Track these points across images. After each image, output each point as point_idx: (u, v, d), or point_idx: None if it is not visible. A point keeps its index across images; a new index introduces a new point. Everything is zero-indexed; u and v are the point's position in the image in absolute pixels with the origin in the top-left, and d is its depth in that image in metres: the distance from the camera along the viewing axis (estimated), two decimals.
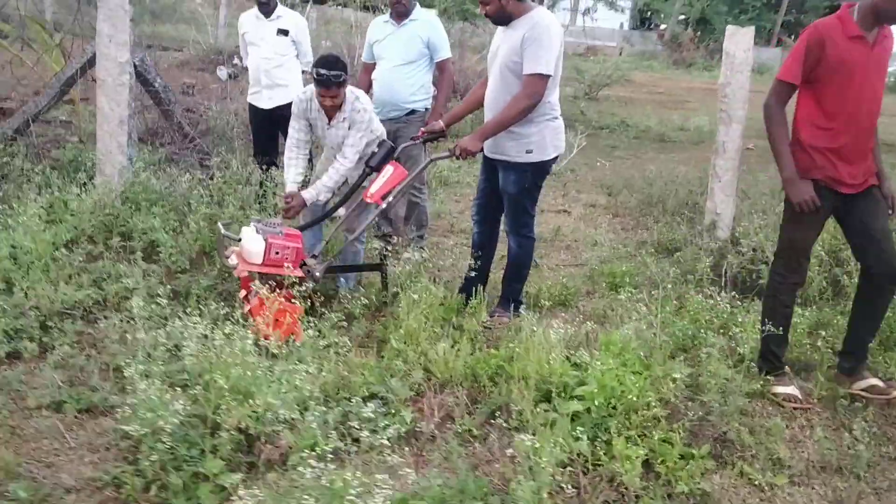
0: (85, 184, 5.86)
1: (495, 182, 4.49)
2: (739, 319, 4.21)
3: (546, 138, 4.35)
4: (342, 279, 4.84)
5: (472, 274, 4.87)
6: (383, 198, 4.35)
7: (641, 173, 8.72)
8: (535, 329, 3.73)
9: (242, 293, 4.37)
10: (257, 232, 4.14)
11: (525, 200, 4.47)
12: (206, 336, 3.13)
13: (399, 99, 5.55)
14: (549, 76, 4.13)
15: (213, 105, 8.53)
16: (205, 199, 5.71)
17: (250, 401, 3.02)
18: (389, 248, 5.74)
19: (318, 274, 4.27)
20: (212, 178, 6.11)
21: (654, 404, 3.20)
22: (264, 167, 6.13)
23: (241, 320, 3.66)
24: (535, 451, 2.99)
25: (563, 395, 3.41)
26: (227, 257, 4.28)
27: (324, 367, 3.60)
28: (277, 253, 4.12)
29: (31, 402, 3.37)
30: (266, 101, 6.34)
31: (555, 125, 4.41)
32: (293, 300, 4.33)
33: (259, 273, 4.16)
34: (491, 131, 4.24)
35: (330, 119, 4.60)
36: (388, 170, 4.39)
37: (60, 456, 3.05)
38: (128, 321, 3.91)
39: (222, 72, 13.19)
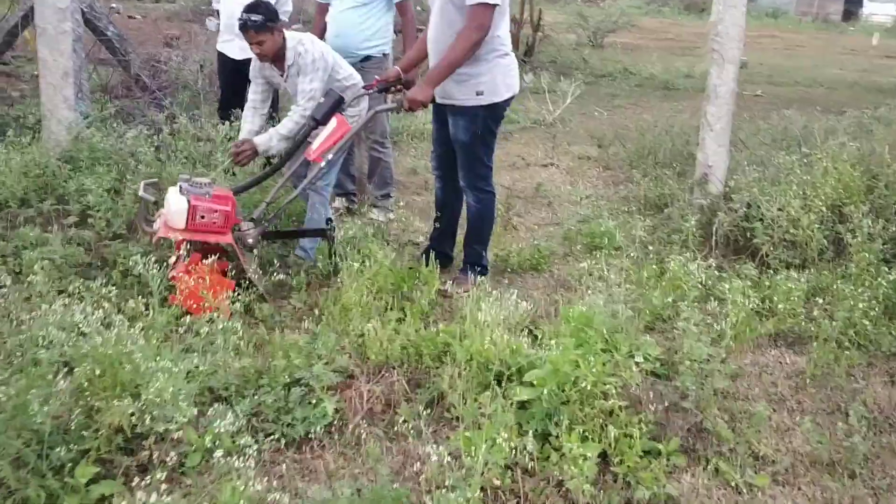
0: (31, 141, 5.40)
1: (446, 130, 4.02)
2: (725, 287, 3.71)
3: (497, 77, 3.87)
4: (301, 249, 4.38)
5: (435, 235, 4.42)
6: (323, 155, 3.86)
7: (638, 123, 8.15)
8: (486, 300, 3.27)
9: (173, 257, 3.91)
10: (182, 192, 3.67)
11: (479, 149, 3.99)
12: (79, 322, 2.66)
13: (352, 44, 5.03)
14: (495, 5, 3.62)
15: (179, 56, 7.98)
16: (149, 157, 5.23)
17: (143, 394, 2.58)
18: (353, 207, 5.31)
19: (250, 241, 3.81)
20: (157, 134, 5.61)
21: (613, 392, 2.74)
22: (226, 122, 5.64)
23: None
24: (471, 449, 2.57)
25: (512, 379, 2.97)
26: (151, 221, 3.82)
27: (242, 350, 3.16)
28: (203, 216, 3.66)
29: None
30: (237, 50, 5.81)
31: (506, 62, 3.91)
32: (225, 272, 3.90)
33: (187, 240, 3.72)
34: (439, 76, 3.73)
35: (282, 72, 4.19)
36: (332, 123, 3.90)
37: None
38: (27, 298, 3.48)
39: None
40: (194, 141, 5.58)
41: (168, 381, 2.59)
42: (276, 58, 4.15)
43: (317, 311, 3.73)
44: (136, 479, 2.51)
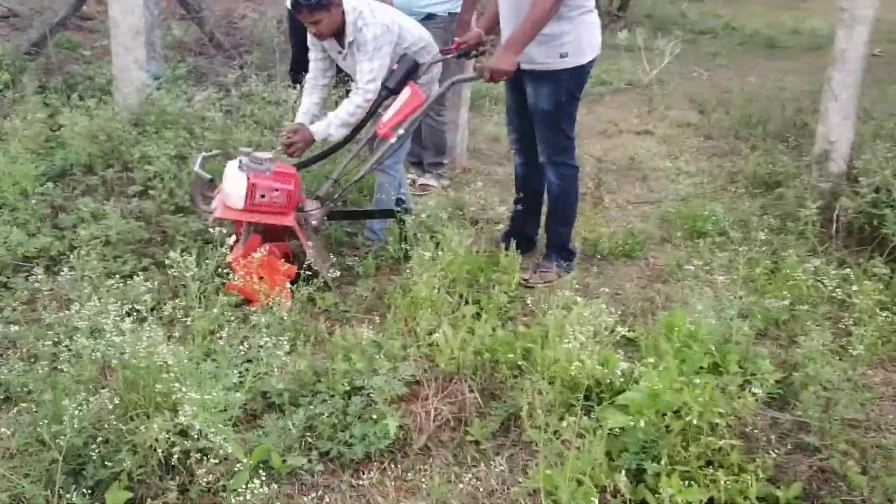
0: (99, 103, 5.20)
1: (525, 96, 3.59)
2: (852, 289, 3.19)
3: (582, 37, 3.45)
4: (369, 230, 4.04)
5: (516, 217, 4.01)
6: (394, 129, 3.47)
7: (743, 86, 7.47)
8: (573, 298, 2.87)
9: (232, 238, 3.63)
10: (241, 169, 3.36)
11: (562, 119, 3.56)
12: (111, 326, 2.37)
13: (413, 1, 4.61)
14: None
15: (255, 12, 7.69)
16: (218, 122, 4.96)
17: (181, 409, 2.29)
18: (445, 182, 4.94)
19: (314, 222, 3.48)
20: (228, 97, 5.34)
21: (723, 427, 2.31)
22: (297, 86, 5.30)
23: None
24: (553, 487, 2.20)
25: (602, 398, 2.57)
26: (209, 198, 3.54)
27: (299, 349, 2.85)
28: (263, 196, 3.34)
29: None
30: None
31: (590, 20, 3.49)
32: (287, 255, 3.59)
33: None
34: (523, 38, 3.29)
35: (342, 48, 3.75)
36: (405, 93, 3.51)
37: None
38: (80, 279, 3.24)
39: None
40: (265, 105, 5.28)
41: (210, 391, 2.29)
42: (336, 34, 3.72)
43: (385, 300, 3.41)
44: None
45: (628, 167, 5.63)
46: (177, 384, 2.28)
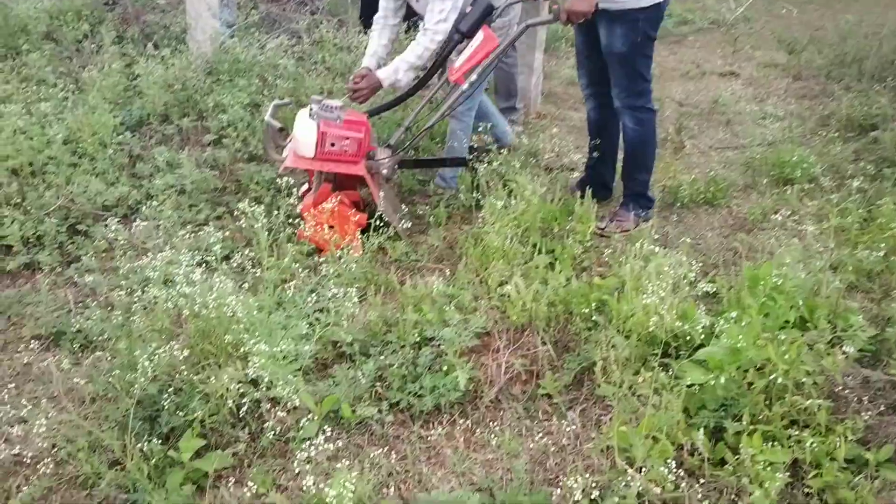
0: (173, 53, 5.23)
1: (597, 39, 3.43)
2: None
3: None
4: (440, 178, 3.97)
5: (592, 164, 3.88)
6: (465, 75, 3.37)
7: (835, 23, 7.04)
8: (652, 250, 2.76)
9: (304, 187, 3.62)
10: (311, 117, 3.32)
11: (638, 61, 3.39)
12: (183, 276, 2.37)
13: None
14: None
15: None
16: (290, 69, 4.93)
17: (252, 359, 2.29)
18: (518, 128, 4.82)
19: (385, 171, 3.43)
20: (296, 43, 5.29)
21: (810, 386, 2.19)
22: (368, 30, 5.22)
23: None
24: (627, 444, 2.14)
25: (680, 353, 2.47)
26: (281, 146, 3.52)
27: (370, 299, 2.82)
28: (333, 144, 3.30)
29: (27, 332, 2.83)
30: None
31: None
32: (358, 205, 3.55)
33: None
34: None
35: None
36: (478, 38, 3.38)
37: (38, 407, 2.49)
38: (154, 229, 3.29)
39: None
40: (337, 51, 5.23)
41: (279, 341, 2.29)
42: None
43: (456, 250, 3.36)
44: (246, 453, 2.27)
45: (711, 111, 5.39)
46: (246, 335, 2.28)
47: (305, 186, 3.61)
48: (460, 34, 3.48)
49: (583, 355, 2.63)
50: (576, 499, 1.90)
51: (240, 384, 2.25)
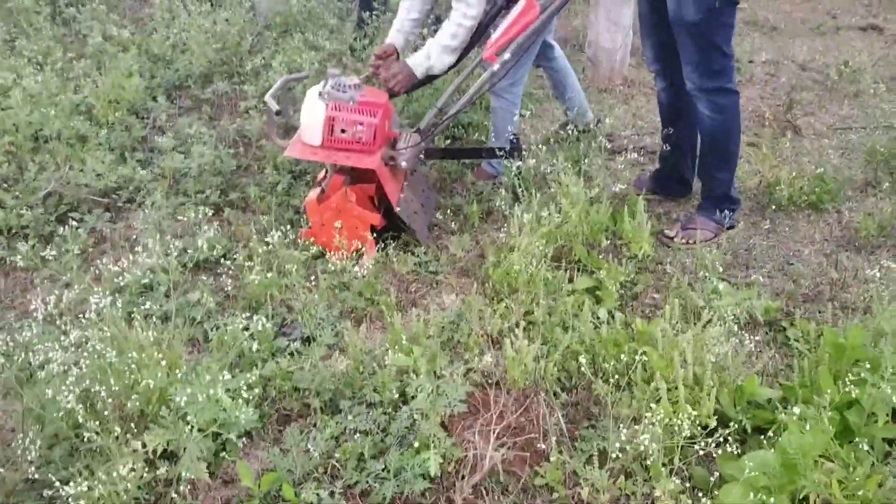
0: (217, 9, 4.83)
1: (664, 4, 2.72)
2: None
3: None
4: (488, 163, 3.40)
5: (665, 154, 3.21)
6: (498, 53, 2.75)
7: None
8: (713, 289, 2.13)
9: (321, 174, 3.13)
10: (321, 97, 2.81)
11: (715, 31, 2.66)
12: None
13: None
14: None
15: None
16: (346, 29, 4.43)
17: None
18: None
19: (404, 163, 2.88)
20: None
21: None
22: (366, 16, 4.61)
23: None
24: None
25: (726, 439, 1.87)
26: (294, 126, 3.04)
27: (345, 337, 2.33)
28: (343, 131, 2.79)
29: None
30: None
31: None
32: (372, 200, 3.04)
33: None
34: None
35: None
36: (515, 9, 2.75)
37: None
38: (143, 225, 2.91)
39: None
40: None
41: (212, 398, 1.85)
42: None
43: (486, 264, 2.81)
44: None
45: (838, 80, 4.48)
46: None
47: (323, 172, 3.12)
48: (496, 5, 2.89)
49: (600, 429, 2.05)
50: None
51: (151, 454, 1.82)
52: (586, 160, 3.11)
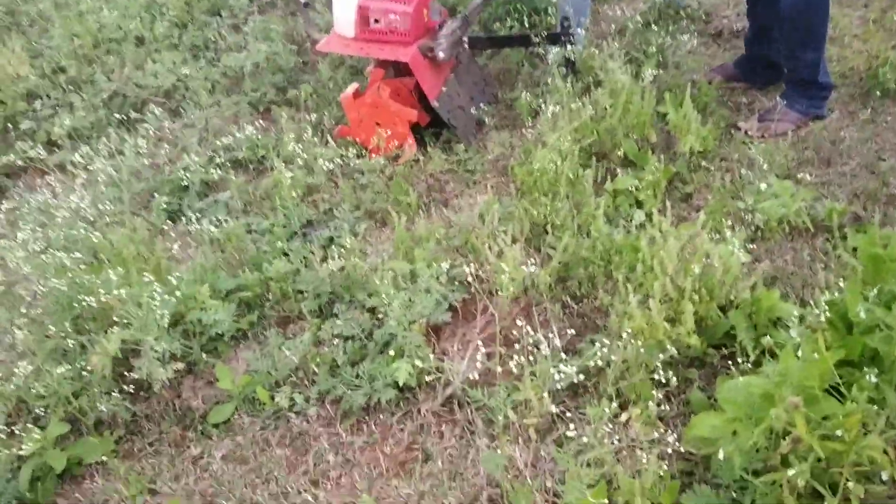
0: None
1: None
2: None
3: None
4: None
5: (750, 35, 2.81)
6: None
7: None
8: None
9: (370, 66, 2.99)
10: None
11: None
12: None
13: None
14: None
15: None
16: None
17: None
18: None
19: (442, 54, 2.68)
20: None
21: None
22: None
23: None
24: None
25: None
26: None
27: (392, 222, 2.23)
28: (377, 21, 2.64)
29: None
30: None
31: None
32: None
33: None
34: None
35: None
36: None
37: None
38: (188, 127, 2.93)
39: None
40: None
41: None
42: None
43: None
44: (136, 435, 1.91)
45: None
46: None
47: (371, 66, 2.98)
48: None
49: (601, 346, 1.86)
50: None
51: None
52: (672, 44, 2.77)
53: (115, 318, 1.86)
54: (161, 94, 3.27)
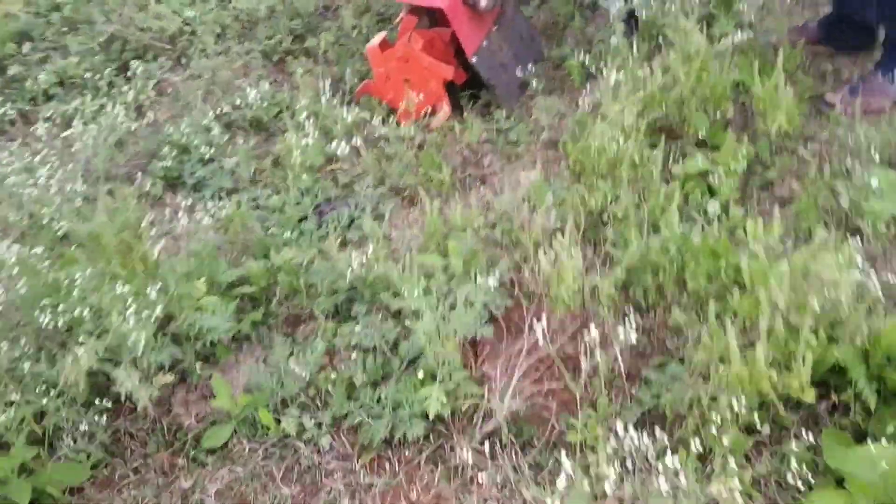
0: None
1: None
2: None
3: None
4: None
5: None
6: None
7: None
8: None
9: (401, 13, 2.61)
10: None
11: None
12: None
13: None
14: None
15: None
16: None
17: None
18: None
19: (483, 2, 2.30)
20: None
21: None
22: None
23: None
24: None
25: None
26: None
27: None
28: None
29: None
30: None
31: None
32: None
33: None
34: None
35: None
36: None
37: None
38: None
39: None
40: None
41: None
42: None
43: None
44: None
45: None
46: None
47: (400, 17, 2.61)
48: None
49: (656, 385, 1.53)
50: None
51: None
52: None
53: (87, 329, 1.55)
54: (165, 39, 2.92)
